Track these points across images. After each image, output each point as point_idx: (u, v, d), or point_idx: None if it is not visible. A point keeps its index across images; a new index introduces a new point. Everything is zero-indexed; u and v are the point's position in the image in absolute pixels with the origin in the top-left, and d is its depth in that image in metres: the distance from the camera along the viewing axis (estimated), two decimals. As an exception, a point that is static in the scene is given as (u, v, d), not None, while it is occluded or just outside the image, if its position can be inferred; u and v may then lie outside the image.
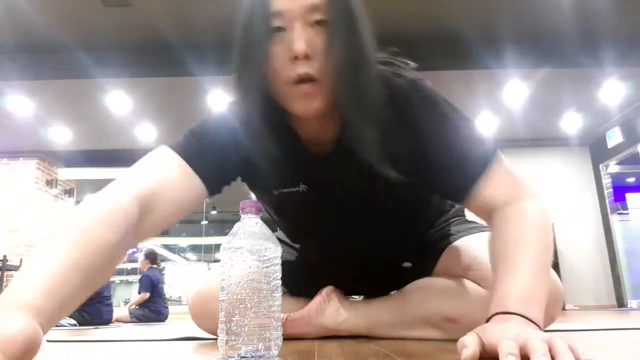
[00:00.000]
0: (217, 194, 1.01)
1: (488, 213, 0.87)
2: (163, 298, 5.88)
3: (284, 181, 1.03)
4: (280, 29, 0.81)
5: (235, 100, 0.94)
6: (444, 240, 1.17)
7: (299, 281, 1.18)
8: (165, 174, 0.90)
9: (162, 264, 13.06)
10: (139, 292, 5.79)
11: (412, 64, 1.00)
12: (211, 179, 0.95)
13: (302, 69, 0.80)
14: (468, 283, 1.07)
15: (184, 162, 0.93)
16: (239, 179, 1.09)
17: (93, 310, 4.61)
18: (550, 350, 0.56)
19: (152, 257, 6.07)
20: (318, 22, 0.81)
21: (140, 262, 6.13)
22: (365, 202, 1.02)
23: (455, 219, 1.24)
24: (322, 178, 1.00)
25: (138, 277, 6.20)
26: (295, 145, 0.97)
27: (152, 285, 5.76)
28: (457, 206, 1.24)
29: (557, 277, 0.97)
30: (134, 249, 11.42)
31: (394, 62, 0.99)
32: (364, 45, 0.87)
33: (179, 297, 12.06)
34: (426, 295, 1.12)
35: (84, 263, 0.67)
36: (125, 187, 0.83)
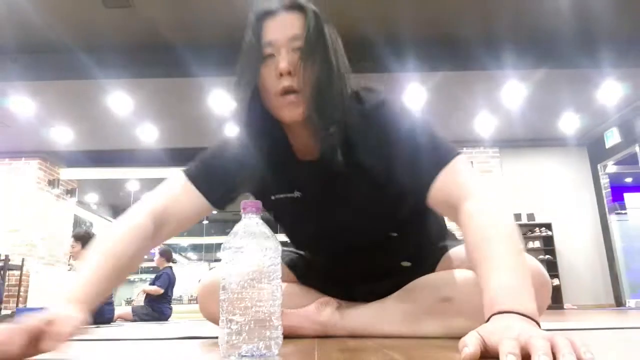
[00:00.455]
0: (221, 208, 1.15)
1: (453, 209, 0.93)
2: (169, 299, 5.90)
3: (280, 187, 1.16)
4: (271, 55, 1.02)
5: (235, 113, 1.09)
6: (442, 249, 1.26)
7: (308, 273, 1.34)
8: (173, 193, 1.12)
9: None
10: (153, 284, 5.80)
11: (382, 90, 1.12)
12: (213, 194, 1.13)
13: (286, 82, 0.99)
14: (459, 270, 1.13)
15: (189, 183, 1.12)
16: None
17: (95, 309, 4.62)
18: (552, 348, 0.57)
19: (167, 255, 6.07)
20: (298, 48, 1.01)
21: (156, 260, 6.14)
22: (349, 205, 1.13)
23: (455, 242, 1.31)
24: (312, 183, 1.13)
25: (139, 276, 6.22)
26: (288, 153, 1.13)
27: (169, 284, 5.81)
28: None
29: (535, 260, 1.02)
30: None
31: (370, 88, 1.12)
32: (332, 66, 1.02)
33: (180, 297, 12.09)
34: (422, 285, 1.18)
35: (112, 265, 0.97)
36: (142, 208, 1.09)
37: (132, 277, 12.59)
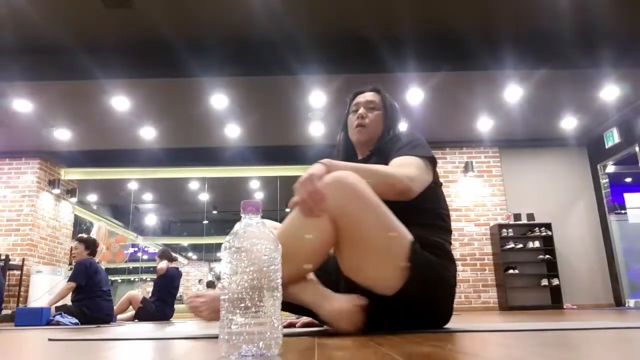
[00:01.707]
0: None
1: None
2: (172, 298, 5.89)
3: None
4: (357, 110, 1.83)
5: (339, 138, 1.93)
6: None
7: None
8: None
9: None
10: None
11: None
12: None
13: (360, 121, 1.80)
14: None
15: None
16: None
17: (94, 306, 4.63)
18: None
19: (167, 255, 6.07)
20: (372, 108, 1.82)
21: (158, 262, 6.13)
22: None
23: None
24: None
25: (139, 276, 6.22)
26: (355, 153, 1.88)
27: (168, 284, 5.81)
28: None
29: (397, 176, 1.44)
30: (135, 249, 11.44)
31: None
32: (388, 119, 1.81)
33: (180, 296, 12.08)
34: None
35: None
36: None
37: (132, 277, 12.59)
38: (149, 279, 6.47)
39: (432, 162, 1.58)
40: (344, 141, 1.88)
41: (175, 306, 6.12)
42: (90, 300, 4.64)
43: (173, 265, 6.08)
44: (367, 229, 1.33)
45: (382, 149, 1.69)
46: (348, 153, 1.87)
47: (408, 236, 1.38)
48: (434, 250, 1.44)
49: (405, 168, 1.47)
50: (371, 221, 1.33)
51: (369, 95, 1.86)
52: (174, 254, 6.33)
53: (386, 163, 1.54)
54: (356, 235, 1.33)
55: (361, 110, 1.80)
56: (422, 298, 1.39)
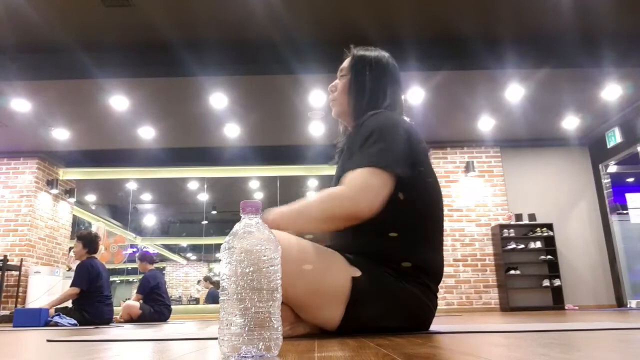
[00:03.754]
0: None
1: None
2: (164, 298, 5.85)
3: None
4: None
5: None
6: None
7: None
8: None
9: (163, 264, 13.11)
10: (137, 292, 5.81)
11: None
12: None
13: (330, 95, 1.65)
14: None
15: None
16: None
17: (93, 310, 4.61)
18: None
19: (148, 259, 6.04)
20: (342, 76, 1.63)
21: (138, 265, 6.12)
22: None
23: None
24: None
25: (138, 277, 6.20)
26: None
27: (150, 287, 5.74)
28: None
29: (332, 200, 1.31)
30: (134, 249, 11.43)
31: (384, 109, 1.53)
32: (353, 88, 1.57)
33: (179, 297, 12.08)
34: None
35: None
36: None
37: (131, 278, 12.58)
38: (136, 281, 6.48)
39: (389, 168, 1.29)
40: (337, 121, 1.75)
41: (173, 307, 6.10)
42: (90, 305, 4.61)
43: (153, 267, 6.06)
44: (300, 291, 1.23)
45: (353, 136, 1.46)
46: (344, 129, 1.70)
47: (348, 277, 1.27)
48: (395, 265, 1.34)
49: (350, 190, 1.27)
50: (300, 286, 1.22)
51: (345, 62, 1.65)
52: (154, 257, 6.33)
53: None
54: (290, 295, 1.20)
55: (334, 82, 1.62)
56: (371, 323, 1.31)
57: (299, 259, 1.23)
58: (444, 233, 6.19)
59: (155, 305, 5.68)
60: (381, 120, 1.39)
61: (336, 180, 1.43)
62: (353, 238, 1.36)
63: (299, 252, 1.24)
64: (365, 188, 1.26)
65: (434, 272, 1.41)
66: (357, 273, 1.28)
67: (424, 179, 1.42)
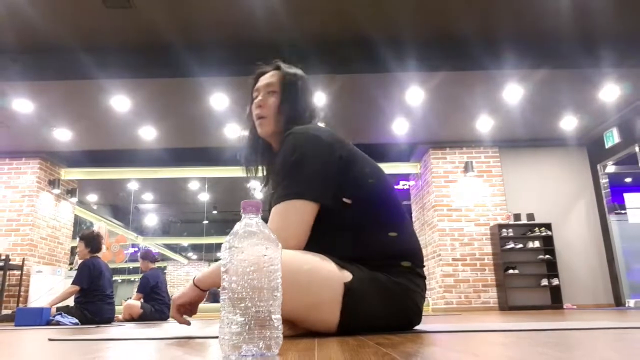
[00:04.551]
0: None
1: None
2: (165, 298, 5.87)
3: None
4: (257, 97, 1.61)
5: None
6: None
7: None
8: None
9: (164, 264, 13.11)
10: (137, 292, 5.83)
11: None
12: None
13: (258, 112, 1.59)
14: None
15: None
16: None
17: (95, 309, 4.62)
18: None
19: (149, 257, 6.06)
20: (272, 92, 1.59)
21: (140, 263, 6.14)
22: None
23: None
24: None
25: (139, 276, 6.21)
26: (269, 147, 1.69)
27: (150, 286, 5.76)
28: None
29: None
30: (135, 249, 11.45)
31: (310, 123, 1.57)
32: (285, 104, 1.56)
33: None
34: None
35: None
36: None
37: (132, 277, 12.60)
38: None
39: (304, 197, 1.32)
40: (254, 138, 1.67)
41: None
42: (92, 304, 4.62)
43: (154, 266, 6.07)
44: (292, 307, 1.20)
45: (277, 159, 1.46)
46: (263, 150, 1.67)
47: (340, 284, 1.27)
48: (386, 263, 1.36)
49: (274, 226, 1.32)
50: (293, 302, 1.19)
51: (268, 77, 1.61)
52: (157, 256, 6.33)
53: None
54: (287, 311, 1.13)
55: (260, 97, 1.58)
56: (367, 324, 1.32)
57: (290, 277, 1.15)
58: (444, 233, 6.20)
59: (156, 305, 5.69)
60: (299, 141, 1.39)
61: (269, 206, 1.44)
62: (326, 248, 1.35)
63: (288, 270, 1.15)
64: (285, 227, 1.31)
65: (413, 255, 1.42)
66: (348, 277, 1.29)
67: (360, 174, 1.42)
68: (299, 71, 1.65)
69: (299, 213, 1.32)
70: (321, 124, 1.61)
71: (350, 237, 1.38)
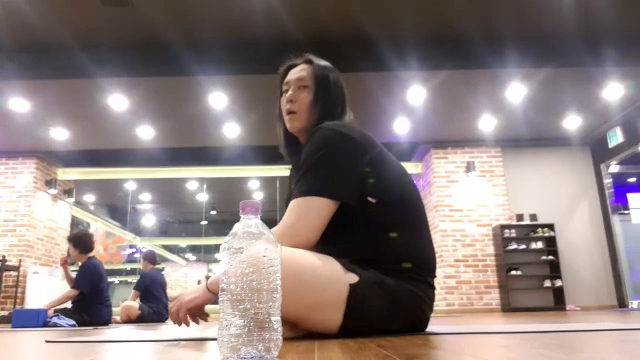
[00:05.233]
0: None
1: None
2: (163, 299, 5.83)
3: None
4: (287, 91, 1.59)
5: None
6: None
7: None
8: None
9: (162, 265, 13.08)
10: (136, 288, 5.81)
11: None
12: None
13: (289, 107, 1.56)
14: None
15: None
16: None
17: (93, 312, 4.59)
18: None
19: (150, 258, 6.05)
20: (303, 86, 1.55)
21: (141, 263, 6.13)
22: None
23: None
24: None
25: (137, 277, 6.19)
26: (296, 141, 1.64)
27: (145, 285, 5.73)
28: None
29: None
30: (133, 250, 11.41)
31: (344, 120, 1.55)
32: (320, 98, 1.51)
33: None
34: None
35: None
36: None
37: (130, 279, 12.56)
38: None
39: (323, 194, 1.31)
40: (284, 132, 1.64)
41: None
42: (92, 308, 4.59)
43: (154, 267, 6.05)
44: (296, 307, 1.20)
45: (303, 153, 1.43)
46: (292, 144, 1.64)
47: (345, 285, 1.25)
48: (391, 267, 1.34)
49: (285, 228, 1.31)
50: (297, 302, 1.19)
51: (298, 70, 1.57)
52: (157, 259, 6.33)
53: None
54: (286, 311, 1.14)
55: (290, 92, 1.55)
56: (369, 326, 1.30)
57: (294, 276, 1.17)
58: (446, 234, 6.17)
59: (154, 306, 5.66)
60: (329, 138, 1.37)
61: (287, 200, 1.43)
62: (342, 246, 1.35)
63: (292, 269, 1.18)
64: (298, 223, 1.30)
65: (426, 263, 1.41)
66: (354, 279, 1.27)
67: (387, 177, 1.40)
68: (329, 64, 1.60)
69: (316, 210, 1.31)
70: (351, 116, 1.58)
71: (367, 236, 1.36)
